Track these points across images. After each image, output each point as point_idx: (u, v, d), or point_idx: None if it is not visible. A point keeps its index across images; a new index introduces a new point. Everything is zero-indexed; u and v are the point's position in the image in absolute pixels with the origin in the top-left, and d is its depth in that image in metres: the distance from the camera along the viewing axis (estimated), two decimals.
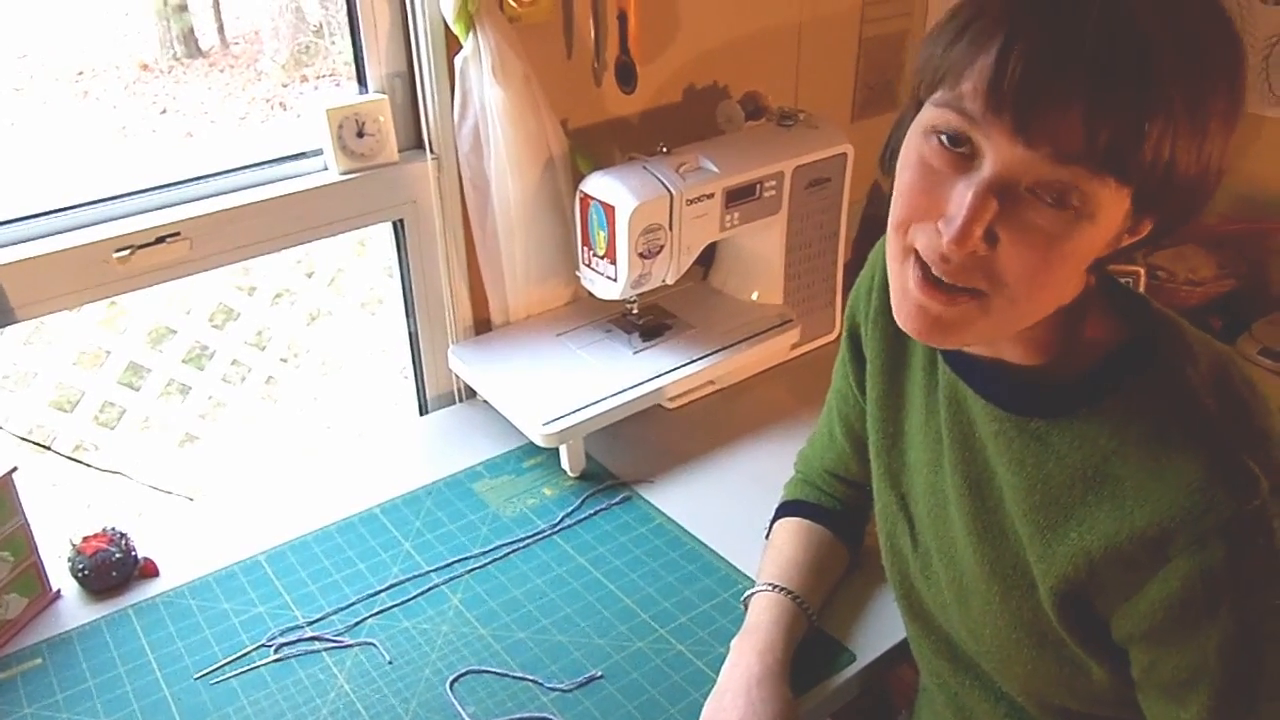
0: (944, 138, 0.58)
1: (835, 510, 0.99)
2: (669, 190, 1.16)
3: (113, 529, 1.06)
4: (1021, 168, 0.55)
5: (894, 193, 0.63)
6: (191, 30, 3.44)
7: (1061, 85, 0.53)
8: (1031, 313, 0.62)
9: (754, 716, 0.82)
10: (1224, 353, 0.66)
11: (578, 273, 1.26)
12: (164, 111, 3.37)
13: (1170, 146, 0.54)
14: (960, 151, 0.58)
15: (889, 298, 0.77)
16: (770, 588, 0.92)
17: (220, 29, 3.52)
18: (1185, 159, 0.55)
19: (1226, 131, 0.56)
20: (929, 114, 0.59)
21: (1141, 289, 1.34)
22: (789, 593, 0.91)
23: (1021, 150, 0.55)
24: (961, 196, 0.57)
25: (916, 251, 0.61)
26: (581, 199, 1.19)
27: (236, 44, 3.57)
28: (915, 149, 0.60)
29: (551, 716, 0.89)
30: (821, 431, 1.00)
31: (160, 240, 1.08)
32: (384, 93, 1.18)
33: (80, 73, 3.32)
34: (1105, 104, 0.52)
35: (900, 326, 0.64)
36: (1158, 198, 0.56)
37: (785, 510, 1.01)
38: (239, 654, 0.96)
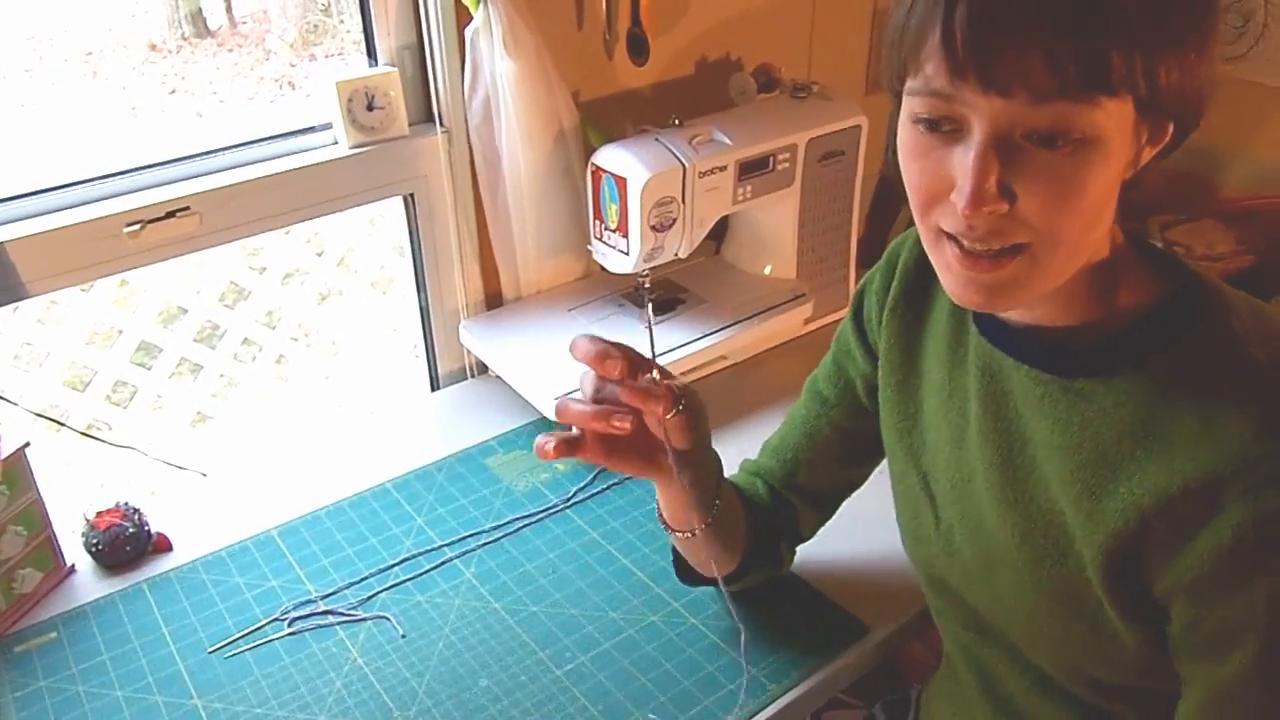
0: (928, 124, 0.59)
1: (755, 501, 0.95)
2: (681, 162, 1.15)
3: (126, 504, 1.06)
4: (1007, 120, 0.56)
5: (906, 185, 0.64)
6: (199, 10, 3.43)
7: (1014, 28, 0.53)
8: (1077, 251, 0.62)
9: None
10: (1262, 305, 0.66)
11: (589, 246, 1.25)
12: (173, 92, 3.36)
13: (1143, 62, 0.54)
14: (947, 131, 0.59)
15: (910, 284, 0.80)
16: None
17: (228, 8, 3.51)
18: (1164, 69, 0.55)
19: (1201, 42, 0.56)
20: (909, 104, 0.60)
21: None
22: None
23: (1000, 103, 0.55)
24: (964, 164, 0.58)
25: (946, 231, 0.62)
26: (593, 172, 1.18)
27: (244, 23, 3.56)
28: (910, 138, 0.61)
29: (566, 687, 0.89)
30: (776, 437, 0.97)
31: (170, 215, 1.07)
32: (394, 65, 1.17)
33: (89, 53, 3.31)
34: (1062, 35, 0.53)
35: (957, 303, 0.65)
36: (1152, 104, 0.57)
37: None
38: (253, 627, 0.96)
